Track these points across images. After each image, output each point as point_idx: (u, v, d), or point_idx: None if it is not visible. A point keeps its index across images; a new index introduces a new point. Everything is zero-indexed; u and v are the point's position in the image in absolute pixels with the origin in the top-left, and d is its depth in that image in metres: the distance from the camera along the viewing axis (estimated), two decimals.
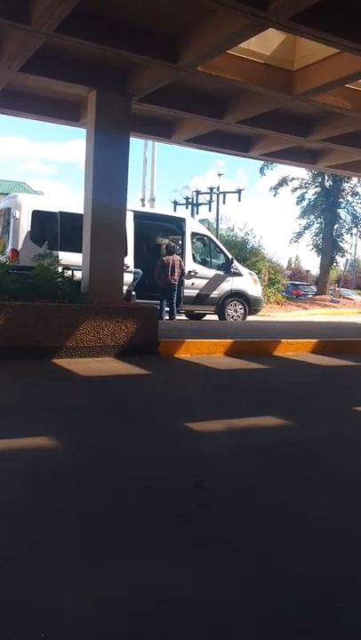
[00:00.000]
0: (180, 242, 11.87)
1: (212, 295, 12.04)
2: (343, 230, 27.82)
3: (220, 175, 17.97)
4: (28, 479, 2.64)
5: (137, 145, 23.10)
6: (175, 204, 18.91)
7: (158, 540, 2.10)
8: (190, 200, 18.77)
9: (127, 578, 1.84)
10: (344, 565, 2.01)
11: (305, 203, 27.72)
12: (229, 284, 12.21)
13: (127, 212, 8.26)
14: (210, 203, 18.70)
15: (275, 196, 29.14)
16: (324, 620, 1.67)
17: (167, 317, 10.79)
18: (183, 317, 12.08)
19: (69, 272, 7.05)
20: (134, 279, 10.91)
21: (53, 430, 3.41)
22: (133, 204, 16.67)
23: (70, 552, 1.98)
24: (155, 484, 2.67)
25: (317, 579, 1.90)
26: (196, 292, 11.85)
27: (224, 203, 18.51)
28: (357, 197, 27.19)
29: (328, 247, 27.09)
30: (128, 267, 10.14)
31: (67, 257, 8.52)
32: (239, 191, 17.77)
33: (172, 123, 9.08)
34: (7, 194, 12.58)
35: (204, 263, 12.30)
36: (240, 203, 19.56)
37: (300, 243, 35.45)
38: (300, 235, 28.29)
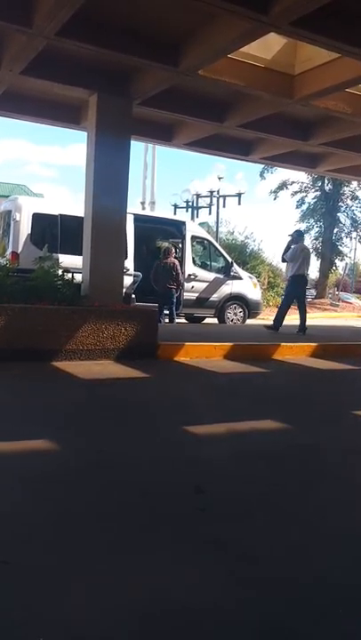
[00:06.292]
0: (180, 245, 11.88)
1: (211, 298, 12.05)
2: (343, 234, 27.77)
3: (220, 179, 18.02)
4: (27, 482, 2.63)
5: (137, 148, 23.13)
6: (175, 207, 18.94)
7: (158, 544, 2.10)
8: (190, 203, 18.82)
9: (127, 581, 1.83)
10: (344, 567, 2.00)
11: (305, 206, 27.71)
12: (229, 288, 12.22)
13: (127, 215, 8.27)
14: (210, 206, 18.75)
15: (275, 199, 29.03)
16: (324, 625, 1.66)
17: (167, 320, 10.78)
18: (183, 320, 12.08)
19: (69, 275, 7.05)
20: (134, 282, 10.91)
21: (53, 433, 3.41)
22: (134, 207, 16.70)
23: (69, 555, 1.97)
24: (154, 487, 2.66)
25: (318, 580, 1.90)
26: (196, 295, 11.85)
27: (224, 206, 18.57)
28: (357, 201, 27.20)
29: (328, 251, 27.09)
30: (128, 270, 10.14)
31: (67, 259, 8.53)
32: (239, 195, 17.81)
33: (172, 126, 9.09)
34: (8, 196, 12.60)
35: (203, 266, 12.32)
36: (240, 206, 19.60)
37: None
38: None
